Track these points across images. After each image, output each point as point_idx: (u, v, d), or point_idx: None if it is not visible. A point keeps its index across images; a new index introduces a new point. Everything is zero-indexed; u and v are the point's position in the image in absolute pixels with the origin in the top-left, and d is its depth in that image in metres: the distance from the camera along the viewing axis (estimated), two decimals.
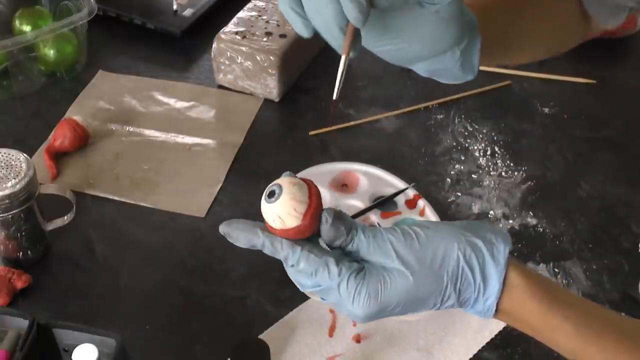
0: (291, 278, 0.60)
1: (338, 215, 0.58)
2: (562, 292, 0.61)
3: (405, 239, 0.58)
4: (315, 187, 0.58)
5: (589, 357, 0.59)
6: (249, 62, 1.16)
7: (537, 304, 0.59)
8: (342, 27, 0.56)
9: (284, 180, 0.57)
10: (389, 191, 0.98)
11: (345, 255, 0.58)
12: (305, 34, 0.58)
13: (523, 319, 0.59)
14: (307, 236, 0.58)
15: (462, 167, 1.09)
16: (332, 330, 0.88)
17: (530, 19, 0.76)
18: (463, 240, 0.58)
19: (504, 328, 0.88)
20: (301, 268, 0.57)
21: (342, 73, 0.60)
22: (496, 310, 0.59)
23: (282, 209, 0.56)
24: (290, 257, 0.57)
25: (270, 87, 1.17)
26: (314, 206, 0.57)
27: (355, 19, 0.55)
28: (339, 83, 0.60)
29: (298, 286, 0.60)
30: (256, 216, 0.99)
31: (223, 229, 0.59)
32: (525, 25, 0.76)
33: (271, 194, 0.57)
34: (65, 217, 0.96)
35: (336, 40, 0.57)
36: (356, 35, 0.57)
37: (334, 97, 0.60)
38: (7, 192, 0.86)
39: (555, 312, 0.59)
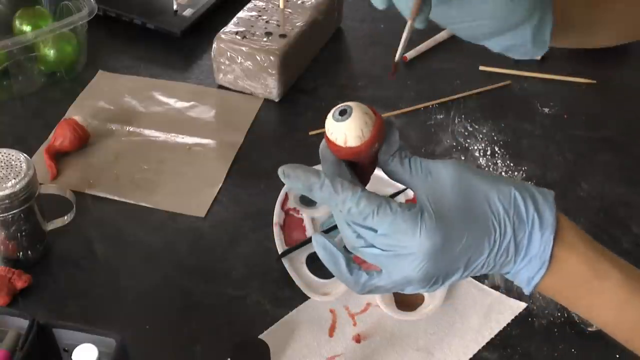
0: (343, 231, 0.58)
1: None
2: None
3: (455, 163, 0.58)
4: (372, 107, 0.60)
5: (635, 309, 0.58)
6: (249, 62, 1.16)
7: (588, 246, 0.58)
8: None
9: (350, 102, 0.58)
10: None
11: None
12: (379, 5, 0.61)
13: (573, 266, 0.57)
14: (372, 155, 0.59)
15: None
16: (332, 330, 0.88)
17: (620, 3, 0.75)
18: (511, 181, 0.58)
19: (504, 328, 0.88)
20: (362, 208, 0.55)
21: (407, 37, 0.62)
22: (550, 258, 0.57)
23: (356, 124, 0.57)
24: (350, 197, 0.56)
25: (270, 87, 1.17)
26: (379, 121, 0.58)
27: None
28: (403, 46, 0.63)
29: (350, 240, 0.58)
30: (256, 216, 1.00)
31: (283, 169, 0.58)
32: (609, 7, 0.75)
33: (342, 112, 0.57)
34: (65, 217, 0.96)
35: (404, 2, 0.60)
36: (425, 4, 0.60)
37: (396, 59, 0.62)
38: (7, 192, 0.86)
39: (604, 256, 0.58)
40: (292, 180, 0.57)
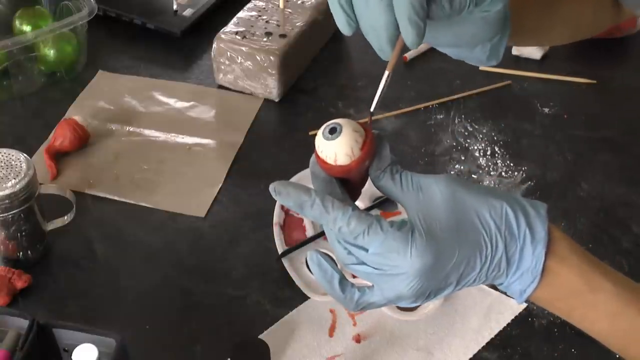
0: (335, 248, 0.58)
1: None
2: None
3: (447, 178, 0.58)
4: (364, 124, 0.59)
5: (629, 320, 0.58)
6: (249, 62, 1.16)
7: (581, 258, 0.58)
8: (392, 40, 0.55)
9: (340, 120, 0.58)
10: None
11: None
12: (346, 32, 0.57)
13: (565, 279, 0.57)
14: (362, 171, 0.58)
15: (462, 167, 1.09)
16: (332, 330, 0.88)
17: (565, 7, 0.77)
18: (503, 195, 0.58)
19: (504, 328, 0.88)
20: (352, 227, 0.55)
21: (384, 88, 0.59)
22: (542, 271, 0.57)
23: (346, 142, 0.57)
24: (340, 217, 0.55)
25: (270, 87, 1.17)
26: (370, 137, 0.58)
27: (411, 43, 0.54)
28: (379, 97, 0.59)
29: (341, 257, 0.58)
30: (256, 216, 1.00)
31: (274, 186, 0.57)
32: (560, 12, 0.77)
33: (332, 131, 0.57)
34: (65, 217, 0.96)
35: (383, 52, 0.56)
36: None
37: (371, 109, 0.59)
38: (7, 192, 0.86)
39: (597, 268, 0.58)
40: (283, 197, 0.57)
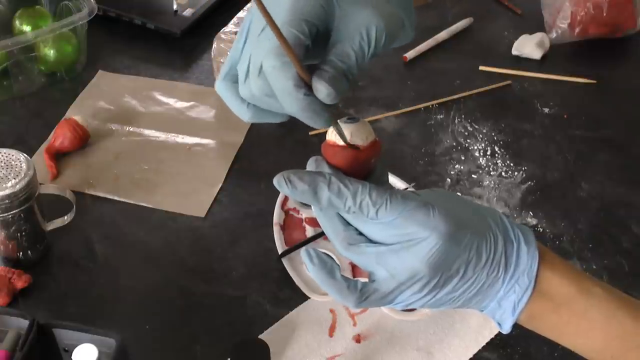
0: (338, 234, 0.57)
1: None
2: None
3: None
4: None
5: (622, 325, 0.58)
6: None
7: (567, 266, 0.59)
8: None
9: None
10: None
11: None
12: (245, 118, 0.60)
13: (557, 285, 0.58)
14: (366, 165, 0.59)
15: (462, 167, 1.10)
16: (332, 330, 0.88)
17: None
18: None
19: None
20: (374, 198, 0.55)
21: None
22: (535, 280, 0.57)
23: (363, 128, 0.58)
24: (360, 190, 0.55)
25: None
26: (379, 141, 0.60)
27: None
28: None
29: (350, 240, 0.57)
30: (256, 216, 1.00)
31: (283, 175, 0.56)
32: None
33: (350, 118, 0.59)
34: (65, 217, 0.96)
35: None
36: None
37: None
38: (7, 192, 0.86)
39: (584, 274, 0.59)
40: (296, 183, 0.55)
